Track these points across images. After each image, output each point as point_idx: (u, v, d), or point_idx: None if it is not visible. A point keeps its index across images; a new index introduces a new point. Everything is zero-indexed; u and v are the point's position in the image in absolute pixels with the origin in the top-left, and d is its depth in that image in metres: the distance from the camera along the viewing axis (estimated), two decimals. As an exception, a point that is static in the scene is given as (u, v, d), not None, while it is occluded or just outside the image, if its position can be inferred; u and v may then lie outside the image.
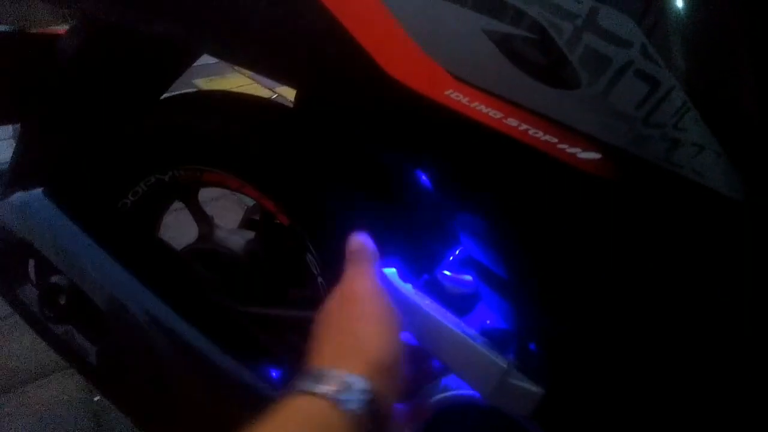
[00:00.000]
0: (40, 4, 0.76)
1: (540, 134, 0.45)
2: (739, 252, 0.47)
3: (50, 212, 0.72)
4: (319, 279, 0.79)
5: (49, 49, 0.78)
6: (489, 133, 0.46)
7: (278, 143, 0.73)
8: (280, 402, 0.40)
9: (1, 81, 0.78)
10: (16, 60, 0.79)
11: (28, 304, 0.71)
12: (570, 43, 0.43)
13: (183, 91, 0.88)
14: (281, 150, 0.73)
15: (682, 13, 0.43)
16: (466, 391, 0.56)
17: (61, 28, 0.81)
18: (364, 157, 0.72)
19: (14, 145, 0.86)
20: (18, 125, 0.85)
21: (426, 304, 0.53)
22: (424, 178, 0.69)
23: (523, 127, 0.45)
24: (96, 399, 1.23)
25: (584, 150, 0.45)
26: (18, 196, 0.74)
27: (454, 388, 0.58)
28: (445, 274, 0.63)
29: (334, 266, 0.75)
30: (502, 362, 0.48)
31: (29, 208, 0.72)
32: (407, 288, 0.55)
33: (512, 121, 0.45)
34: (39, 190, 0.74)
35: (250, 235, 0.93)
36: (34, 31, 0.82)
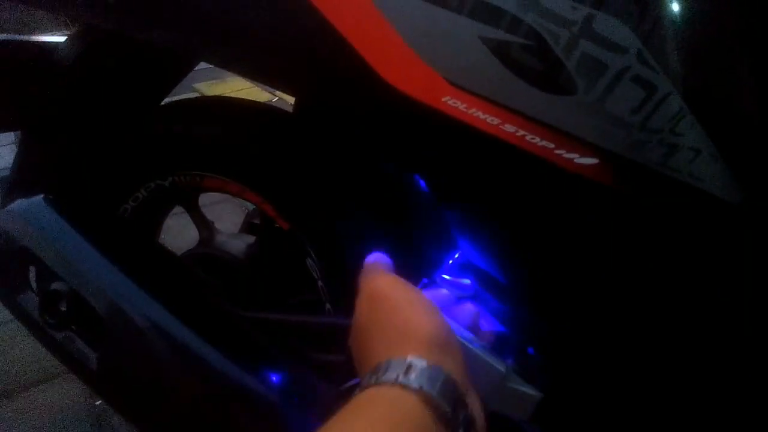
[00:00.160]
0: (39, 12, 0.76)
1: (537, 140, 0.45)
2: (737, 255, 0.48)
3: (51, 219, 0.72)
4: (320, 283, 0.79)
5: (49, 56, 0.79)
6: (486, 139, 0.46)
7: (278, 148, 0.74)
8: (343, 404, 0.36)
9: (1, 88, 0.79)
10: (16, 67, 0.79)
11: (28, 311, 0.71)
12: (566, 50, 0.43)
13: (183, 97, 0.88)
14: (281, 155, 0.73)
15: (677, 18, 0.43)
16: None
17: (62, 35, 0.81)
18: (363, 162, 0.72)
19: (15, 151, 0.86)
20: (18, 132, 0.85)
21: None
22: (422, 183, 0.69)
23: (521, 133, 0.45)
24: (98, 403, 1.23)
25: (581, 155, 0.45)
26: (19, 203, 0.74)
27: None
28: (444, 278, 0.64)
29: (334, 271, 0.75)
30: (500, 366, 0.48)
31: (30, 215, 0.72)
32: None
33: (509, 127, 0.46)
34: (40, 197, 0.74)
35: (251, 239, 0.94)
36: (34, 38, 0.82)
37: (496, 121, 0.46)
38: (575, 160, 0.45)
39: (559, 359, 0.56)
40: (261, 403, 0.66)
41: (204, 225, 0.94)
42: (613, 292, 0.51)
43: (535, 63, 0.44)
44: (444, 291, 0.55)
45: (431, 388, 0.35)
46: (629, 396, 0.53)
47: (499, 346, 0.52)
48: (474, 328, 0.50)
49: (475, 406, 0.40)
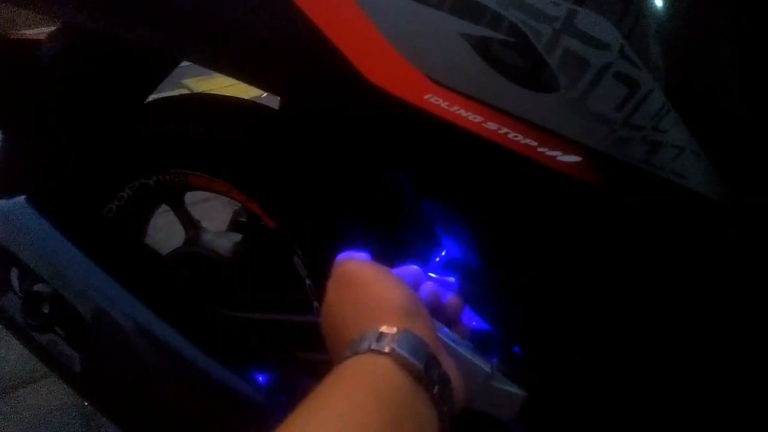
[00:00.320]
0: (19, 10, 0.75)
1: (520, 138, 0.45)
2: (722, 252, 0.47)
3: (33, 220, 0.71)
4: (307, 281, 0.78)
5: (29, 54, 0.77)
6: (469, 137, 0.46)
7: (263, 146, 0.73)
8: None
9: (-20, 86, 0.78)
10: (-5, 64, 0.78)
11: (10, 313, 0.70)
12: (548, 47, 0.43)
13: (167, 94, 0.87)
14: (266, 153, 0.73)
15: (660, 14, 0.43)
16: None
17: (42, 32, 0.80)
18: (348, 160, 0.71)
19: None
20: None
21: None
22: (407, 181, 0.69)
23: (503, 130, 0.45)
24: (87, 404, 1.22)
25: (564, 153, 0.45)
26: (0, 204, 0.73)
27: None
28: (431, 276, 0.63)
29: (321, 268, 0.75)
30: (485, 366, 0.48)
31: (11, 216, 0.71)
32: None
33: (492, 125, 0.45)
34: (21, 198, 0.73)
35: (238, 238, 0.93)
36: (13, 35, 0.81)
37: (478, 118, 0.45)
38: (558, 158, 0.45)
39: (545, 358, 0.55)
40: (248, 403, 0.66)
41: (190, 224, 0.93)
42: (598, 290, 0.50)
43: (517, 60, 0.44)
44: (414, 267, 0.55)
45: (402, 349, 0.36)
46: (615, 394, 0.52)
47: (484, 345, 0.51)
48: (455, 320, 0.50)
49: (449, 366, 0.41)
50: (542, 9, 0.42)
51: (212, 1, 0.52)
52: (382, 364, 0.36)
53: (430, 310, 0.46)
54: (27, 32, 0.81)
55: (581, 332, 0.52)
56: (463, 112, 0.45)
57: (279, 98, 0.78)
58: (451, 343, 0.47)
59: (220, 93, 0.88)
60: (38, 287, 0.67)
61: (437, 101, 0.46)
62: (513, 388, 0.49)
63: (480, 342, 0.51)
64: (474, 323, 0.60)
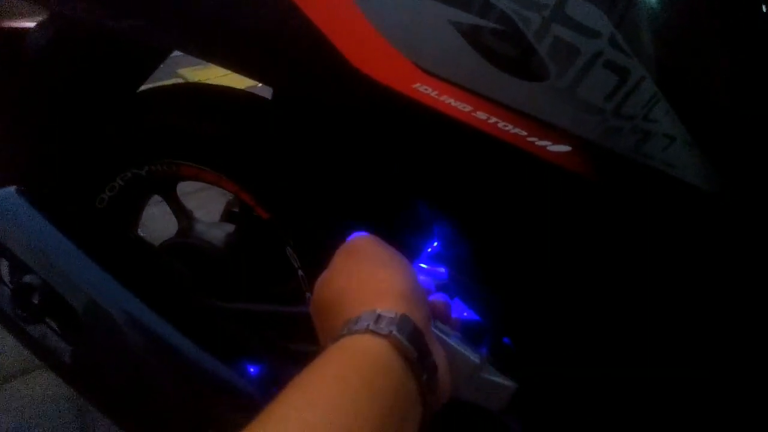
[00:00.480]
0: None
1: (509, 127, 0.45)
2: (713, 243, 0.47)
3: (23, 211, 0.70)
4: (300, 272, 0.78)
5: (17, 43, 0.77)
6: (458, 127, 0.45)
7: (254, 136, 0.72)
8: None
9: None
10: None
11: (1, 304, 0.69)
12: (538, 35, 0.42)
13: (159, 84, 0.86)
14: (257, 143, 0.72)
15: (651, 3, 0.42)
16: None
17: (30, 21, 0.79)
18: (341, 150, 0.71)
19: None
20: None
21: None
22: (398, 171, 0.68)
23: (493, 119, 0.45)
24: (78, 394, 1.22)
25: (554, 143, 0.44)
26: (-11, 195, 0.72)
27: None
28: (422, 267, 0.63)
29: (314, 259, 0.74)
30: (475, 357, 0.48)
31: (1, 207, 0.71)
32: None
33: (481, 114, 0.45)
34: (11, 189, 0.72)
35: (230, 228, 0.93)
36: (2, 24, 0.80)
37: (467, 107, 0.45)
38: (548, 148, 0.44)
39: (535, 349, 0.55)
40: (239, 394, 0.66)
41: (183, 214, 0.92)
42: (588, 281, 0.50)
43: (507, 48, 0.43)
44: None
45: (400, 333, 0.36)
46: (604, 386, 0.52)
47: (473, 336, 0.51)
48: (445, 319, 0.49)
49: (438, 355, 0.42)
50: (532, -4, 0.42)
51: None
52: (379, 345, 0.36)
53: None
54: (14, 22, 0.80)
55: (571, 323, 0.52)
56: (452, 102, 0.45)
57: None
58: (441, 334, 0.47)
59: (215, 83, 0.87)
60: (28, 278, 0.67)
61: (426, 90, 0.45)
62: (502, 379, 0.49)
63: (469, 333, 0.51)
64: (464, 314, 0.60)
